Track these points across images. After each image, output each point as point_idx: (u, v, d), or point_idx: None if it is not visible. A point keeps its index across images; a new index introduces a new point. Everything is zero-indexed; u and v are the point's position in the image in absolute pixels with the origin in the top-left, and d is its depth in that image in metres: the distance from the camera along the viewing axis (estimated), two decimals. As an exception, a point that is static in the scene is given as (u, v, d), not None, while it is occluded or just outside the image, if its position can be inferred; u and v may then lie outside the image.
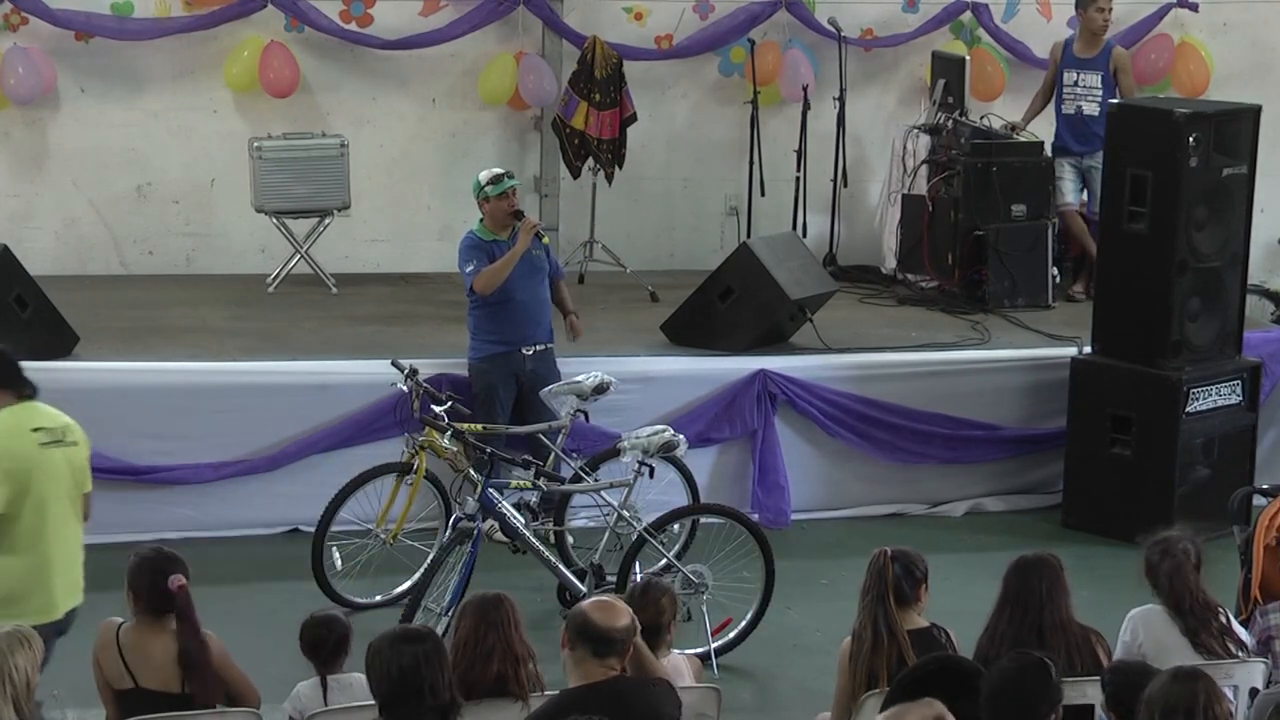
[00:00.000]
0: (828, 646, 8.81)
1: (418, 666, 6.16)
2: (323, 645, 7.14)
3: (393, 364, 10.29)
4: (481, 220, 10.80)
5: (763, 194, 13.52)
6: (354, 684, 7.00)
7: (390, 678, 6.18)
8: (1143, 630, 7.41)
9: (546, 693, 6.61)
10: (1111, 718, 6.35)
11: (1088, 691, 6.79)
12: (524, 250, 10.60)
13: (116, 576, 7.15)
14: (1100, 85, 13.34)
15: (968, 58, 13.88)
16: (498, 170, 10.93)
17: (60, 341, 11.17)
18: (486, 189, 10.69)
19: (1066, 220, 13.39)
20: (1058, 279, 13.35)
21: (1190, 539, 7.58)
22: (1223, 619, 7.40)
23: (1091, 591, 8.89)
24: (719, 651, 9.33)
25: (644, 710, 6.27)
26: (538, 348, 10.81)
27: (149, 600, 6.99)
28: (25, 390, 7.99)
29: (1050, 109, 13.71)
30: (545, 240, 10.82)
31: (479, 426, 10.11)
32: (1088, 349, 11.82)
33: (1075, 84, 13.45)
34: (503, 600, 6.66)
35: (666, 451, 9.61)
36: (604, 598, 6.54)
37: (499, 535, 9.86)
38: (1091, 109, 13.22)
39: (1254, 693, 7.10)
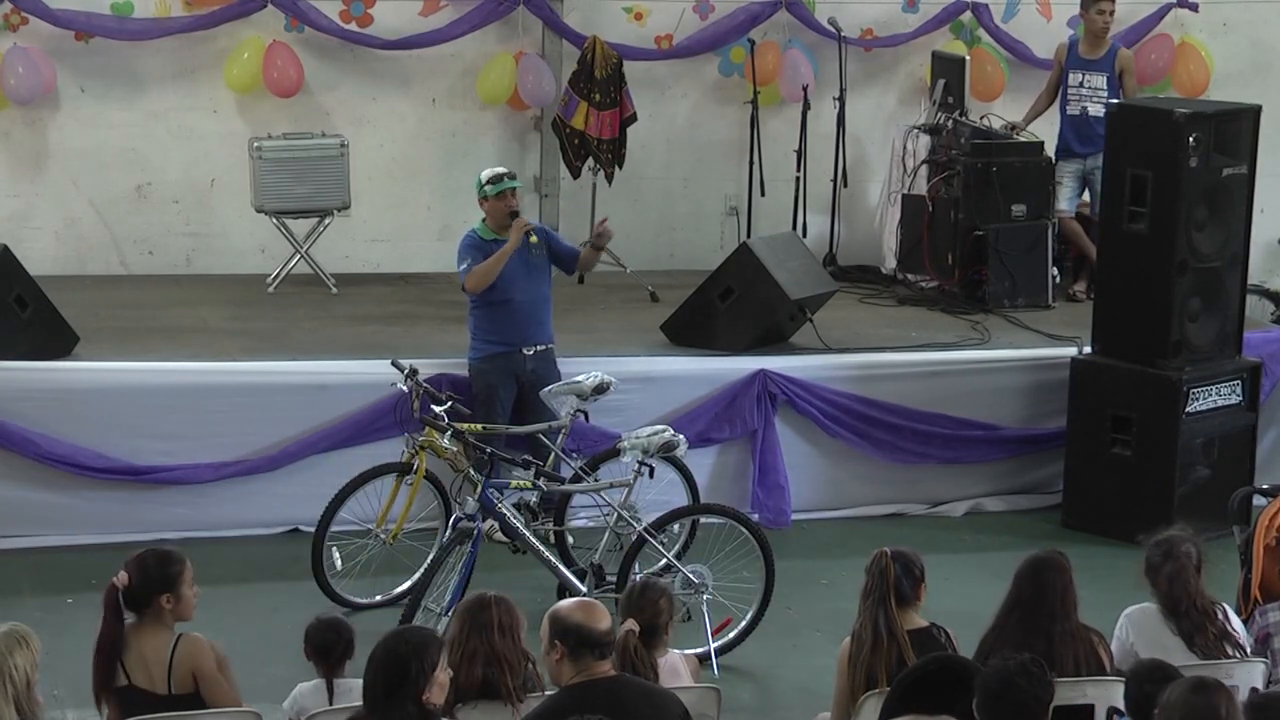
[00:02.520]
0: (828, 646, 8.80)
1: (393, 662, 6.12)
2: (332, 649, 7.13)
3: (393, 364, 10.28)
4: (484, 219, 10.81)
5: (763, 194, 13.52)
6: (354, 689, 6.99)
7: (370, 666, 6.17)
8: (1135, 630, 7.41)
9: (547, 693, 6.60)
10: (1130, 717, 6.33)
11: (1088, 691, 6.79)
12: (513, 249, 10.58)
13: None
14: (1106, 86, 13.33)
15: (968, 58, 13.88)
16: (499, 170, 10.94)
17: (60, 341, 11.17)
18: (486, 188, 10.70)
19: (1062, 225, 13.40)
20: (1058, 279, 13.35)
21: (1192, 539, 7.57)
22: (1221, 623, 7.39)
23: (1091, 592, 8.82)
24: (719, 651, 9.32)
25: (645, 709, 6.23)
26: (538, 348, 10.81)
27: (128, 600, 7.01)
28: None
29: (1053, 110, 13.71)
30: (534, 240, 10.76)
31: (479, 426, 10.11)
32: (1088, 349, 11.82)
33: (1081, 85, 13.45)
34: (490, 604, 6.61)
35: (666, 451, 9.60)
36: (582, 599, 6.49)
37: (499, 535, 9.86)
38: (1097, 110, 13.21)
39: (1254, 693, 7.09)
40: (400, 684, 6.05)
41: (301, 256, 13.08)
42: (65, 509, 10.74)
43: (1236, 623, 7.54)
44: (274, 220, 13.05)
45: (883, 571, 7.11)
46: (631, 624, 6.90)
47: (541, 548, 9.57)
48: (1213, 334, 11.54)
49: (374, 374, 10.84)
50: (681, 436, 9.71)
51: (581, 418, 10.36)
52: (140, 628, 7.02)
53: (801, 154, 13.64)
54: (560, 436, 10.34)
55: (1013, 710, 5.74)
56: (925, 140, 13.42)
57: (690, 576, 9.35)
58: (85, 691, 7.13)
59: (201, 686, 7.00)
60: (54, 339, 11.14)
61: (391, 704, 6.04)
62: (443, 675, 6.25)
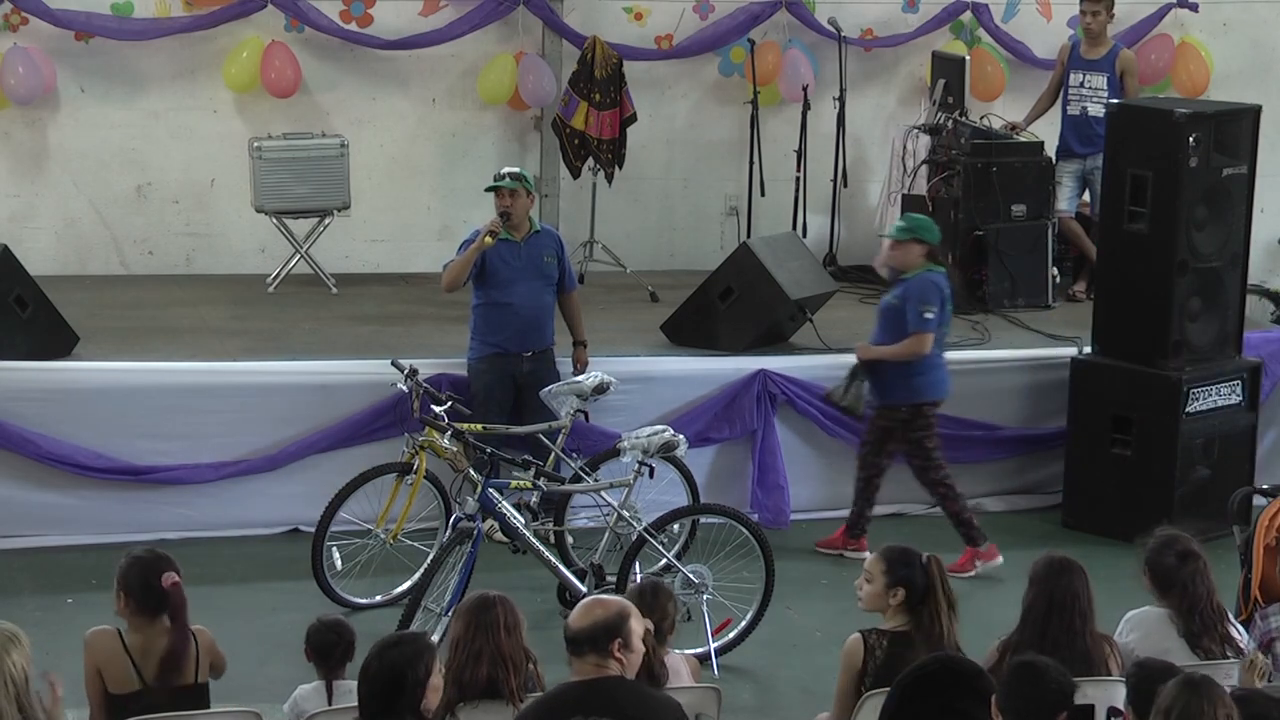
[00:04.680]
0: (828, 646, 8.80)
1: (389, 674, 6.11)
2: (332, 651, 7.14)
3: (393, 364, 10.28)
4: None
5: (763, 194, 13.52)
6: (354, 690, 6.99)
7: (364, 678, 6.16)
8: (1139, 633, 7.39)
9: (547, 694, 6.60)
10: (1131, 715, 6.32)
11: (1088, 691, 6.78)
12: (476, 251, 10.53)
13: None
14: (1106, 87, 13.33)
15: (968, 58, 13.88)
16: (509, 169, 10.97)
17: (60, 341, 11.17)
18: (492, 183, 10.73)
19: (1062, 225, 13.40)
20: (1058, 279, 13.35)
21: (1192, 539, 7.57)
22: (1227, 626, 7.38)
23: (1092, 592, 8.88)
24: (719, 651, 9.32)
25: (643, 713, 6.17)
26: (536, 350, 10.81)
27: (141, 600, 6.98)
28: None
29: (1053, 110, 13.71)
30: (490, 242, 10.59)
31: (479, 426, 10.11)
32: (1088, 349, 11.82)
33: (1081, 85, 13.45)
34: (495, 603, 6.59)
35: (666, 451, 9.60)
36: (591, 597, 6.42)
37: (499, 535, 9.87)
38: (1096, 110, 13.21)
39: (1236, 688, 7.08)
40: (398, 696, 6.07)
41: (301, 256, 13.08)
42: (65, 509, 10.74)
43: (1238, 631, 7.53)
44: (274, 220, 13.05)
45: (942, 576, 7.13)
46: (648, 623, 6.85)
47: (541, 548, 9.57)
48: (1213, 334, 11.54)
49: (374, 374, 10.85)
50: (681, 436, 9.71)
51: (581, 418, 10.37)
52: (140, 631, 7.00)
53: (801, 154, 13.64)
54: (560, 436, 10.34)
55: (1039, 704, 5.76)
56: (925, 140, 13.42)
57: (690, 576, 9.35)
58: (83, 691, 7.12)
59: (215, 672, 7.09)
60: (54, 339, 11.14)
61: (390, 717, 6.05)
62: (436, 679, 6.24)
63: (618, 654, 6.06)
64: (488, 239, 10.55)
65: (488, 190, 10.79)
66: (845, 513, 11.70)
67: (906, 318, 10.56)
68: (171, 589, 6.93)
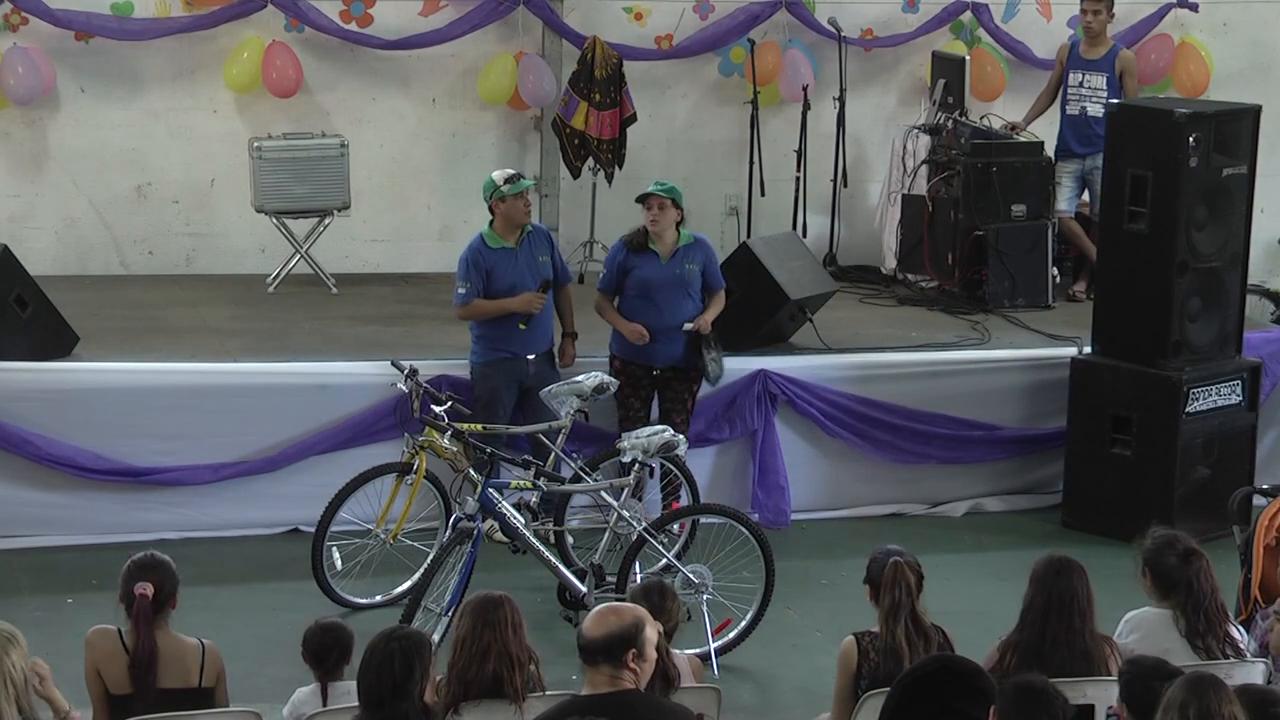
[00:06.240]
0: (828, 646, 8.80)
1: (396, 661, 6.10)
2: (328, 654, 7.13)
3: (393, 364, 10.29)
4: (491, 224, 10.77)
5: (763, 194, 13.52)
6: (350, 691, 6.99)
7: (370, 666, 6.16)
8: (1139, 633, 7.38)
9: (548, 694, 6.59)
10: (1125, 713, 6.32)
11: (1088, 691, 6.79)
12: (514, 310, 10.62)
13: (115, 577, 7.13)
14: (1105, 87, 13.33)
15: (968, 58, 13.89)
16: (511, 170, 10.93)
17: (60, 341, 11.17)
18: (503, 188, 10.64)
19: (1062, 225, 13.41)
20: (1058, 279, 13.35)
21: (1192, 539, 7.57)
22: (1229, 628, 7.38)
23: (1091, 592, 8.86)
24: (719, 651, 9.32)
25: None
26: (540, 352, 10.82)
27: (127, 605, 7.01)
28: None
29: (1053, 110, 13.72)
30: (522, 326, 10.75)
31: (479, 426, 10.11)
32: (1088, 349, 11.82)
33: (1080, 85, 13.45)
34: (503, 602, 6.61)
35: (666, 451, 9.60)
36: (604, 605, 6.36)
37: (499, 535, 9.86)
38: (1096, 110, 13.22)
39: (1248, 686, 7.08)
40: (406, 682, 6.06)
41: (301, 256, 13.08)
42: (65, 509, 10.74)
43: (1238, 632, 7.52)
44: (274, 220, 13.05)
45: (907, 585, 7.10)
46: (659, 625, 6.82)
47: (541, 548, 9.56)
48: (1213, 334, 11.54)
49: (374, 374, 10.86)
50: (681, 436, 9.71)
51: (581, 418, 10.37)
52: (158, 631, 7.02)
53: (801, 154, 13.64)
54: (560, 437, 10.33)
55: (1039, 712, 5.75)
56: (925, 140, 13.42)
57: (690, 576, 9.35)
58: (85, 691, 7.12)
59: (220, 686, 7.10)
60: (54, 339, 11.14)
61: (397, 701, 6.03)
62: (434, 674, 6.23)
63: (632, 665, 5.94)
64: (522, 325, 10.64)
65: (515, 192, 10.62)
66: (846, 513, 11.76)
67: (711, 278, 10.93)
68: (138, 600, 6.93)
